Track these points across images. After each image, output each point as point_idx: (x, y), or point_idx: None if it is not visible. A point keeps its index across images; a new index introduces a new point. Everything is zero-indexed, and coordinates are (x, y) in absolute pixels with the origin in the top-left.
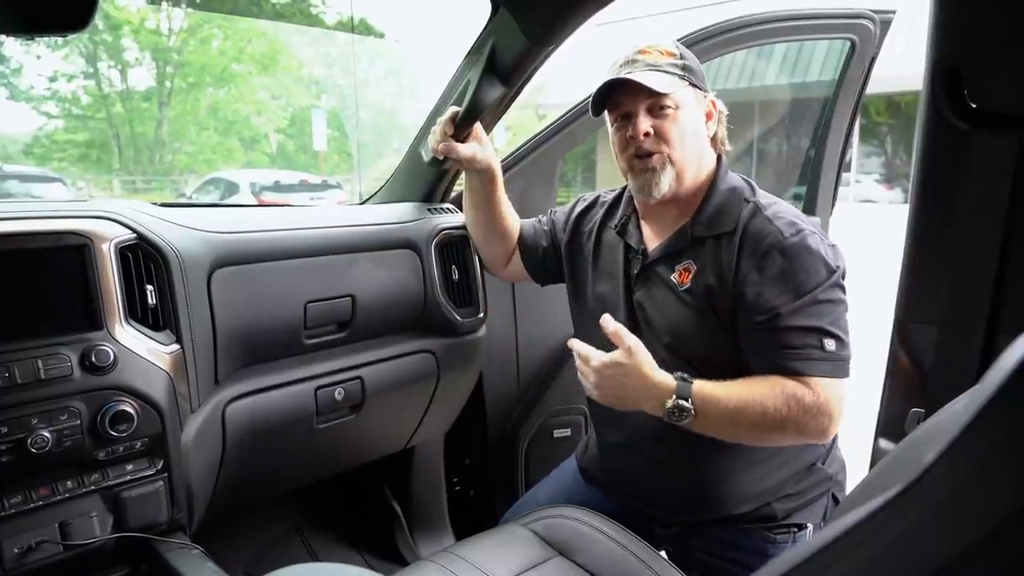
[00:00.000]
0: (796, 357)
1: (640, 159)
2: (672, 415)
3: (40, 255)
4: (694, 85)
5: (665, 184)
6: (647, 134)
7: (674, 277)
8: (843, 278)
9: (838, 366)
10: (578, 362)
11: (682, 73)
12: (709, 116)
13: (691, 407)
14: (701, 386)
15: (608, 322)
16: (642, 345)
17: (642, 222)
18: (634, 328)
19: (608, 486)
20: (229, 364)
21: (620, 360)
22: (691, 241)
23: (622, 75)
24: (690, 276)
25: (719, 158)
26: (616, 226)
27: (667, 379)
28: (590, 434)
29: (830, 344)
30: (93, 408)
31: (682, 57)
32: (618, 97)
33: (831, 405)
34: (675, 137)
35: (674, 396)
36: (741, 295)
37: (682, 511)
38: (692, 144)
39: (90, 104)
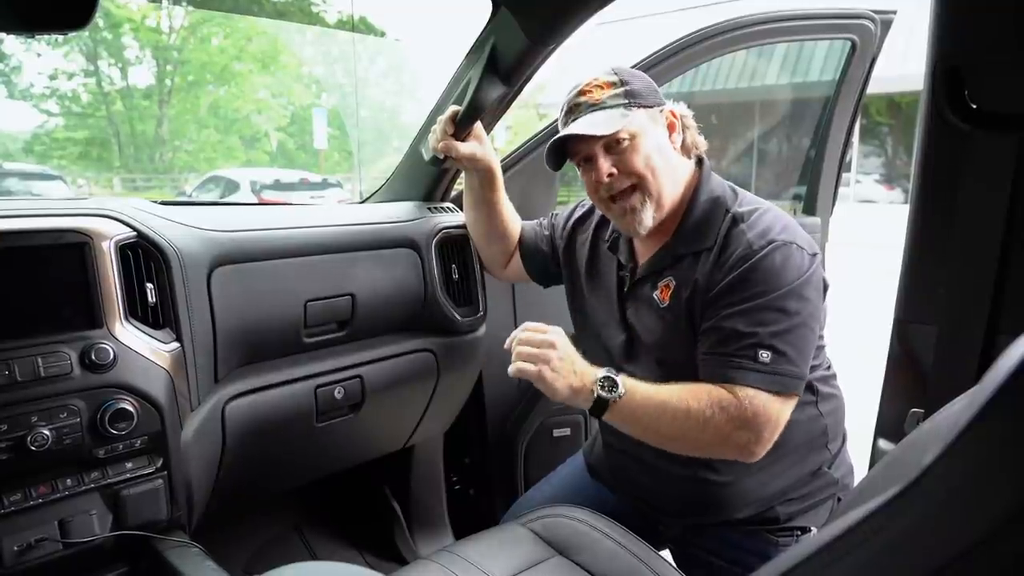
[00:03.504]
0: (727, 364)
1: (616, 202)
2: (602, 386)
3: (40, 253)
4: (643, 106)
5: (648, 219)
6: (611, 175)
7: (656, 295)
8: (818, 290)
9: (772, 380)
10: (524, 335)
11: (627, 101)
12: (672, 128)
13: (620, 382)
14: (626, 378)
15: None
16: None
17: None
18: (628, 344)
19: (613, 485)
20: (229, 362)
21: (554, 340)
22: (673, 259)
23: (568, 125)
24: (669, 293)
25: (700, 161)
26: (608, 240)
27: (594, 368)
28: (597, 431)
29: (764, 355)
30: (93, 406)
31: (623, 83)
32: (573, 146)
33: (757, 420)
34: (640, 166)
35: (604, 372)
36: (706, 304)
37: (684, 514)
38: (661, 165)
39: (90, 102)
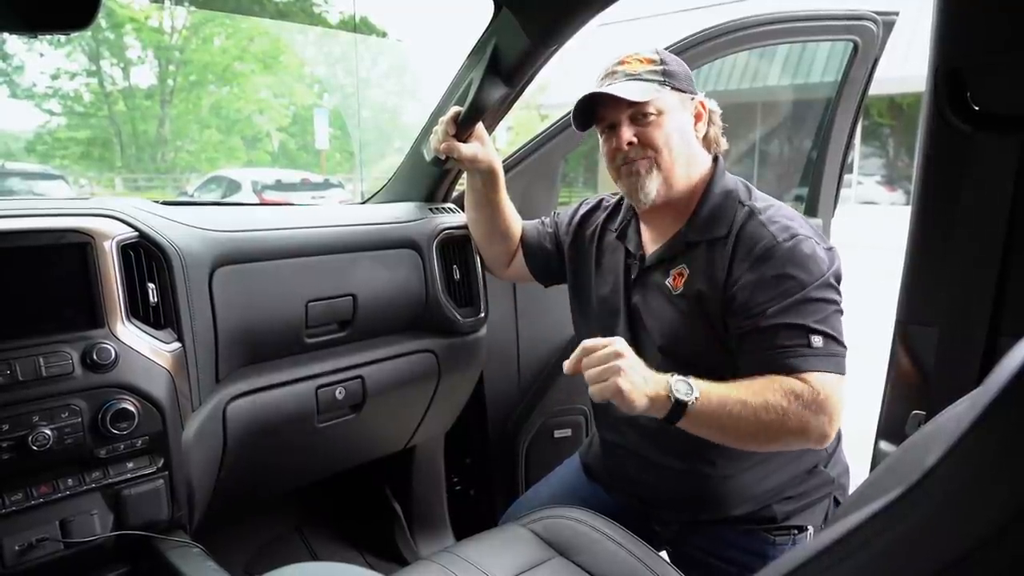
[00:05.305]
0: (787, 354)
1: (626, 164)
2: (678, 390)
3: (42, 253)
4: (677, 89)
5: (652, 188)
6: (631, 143)
7: (668, 282)
8: (837, 281)
9: (830, 361)
10: (589, 358)
11: (662, 79)
12: (698, 117)
13: (692, 384)
14: (694, 378)
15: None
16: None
17: (641, 226)
18: (632, 331)
19: (610, 484)
20: (230, 362)
21: (618, 348)
22: (685, 246)
23: (602, 87)
24: (683, 280)
25: (716, 159)
26: (616, 230)
27: (659, 373)
28: (593, 432)
29: (817, 340)
30: (94, 406)
31: (662, 62)
32: (601, 110)
33: (830, 403)
34: (660, 142)
35: (675, 376)
36: (732, 298)
37: (681, 511)
38: (679, 147)
39: (92, 102)
